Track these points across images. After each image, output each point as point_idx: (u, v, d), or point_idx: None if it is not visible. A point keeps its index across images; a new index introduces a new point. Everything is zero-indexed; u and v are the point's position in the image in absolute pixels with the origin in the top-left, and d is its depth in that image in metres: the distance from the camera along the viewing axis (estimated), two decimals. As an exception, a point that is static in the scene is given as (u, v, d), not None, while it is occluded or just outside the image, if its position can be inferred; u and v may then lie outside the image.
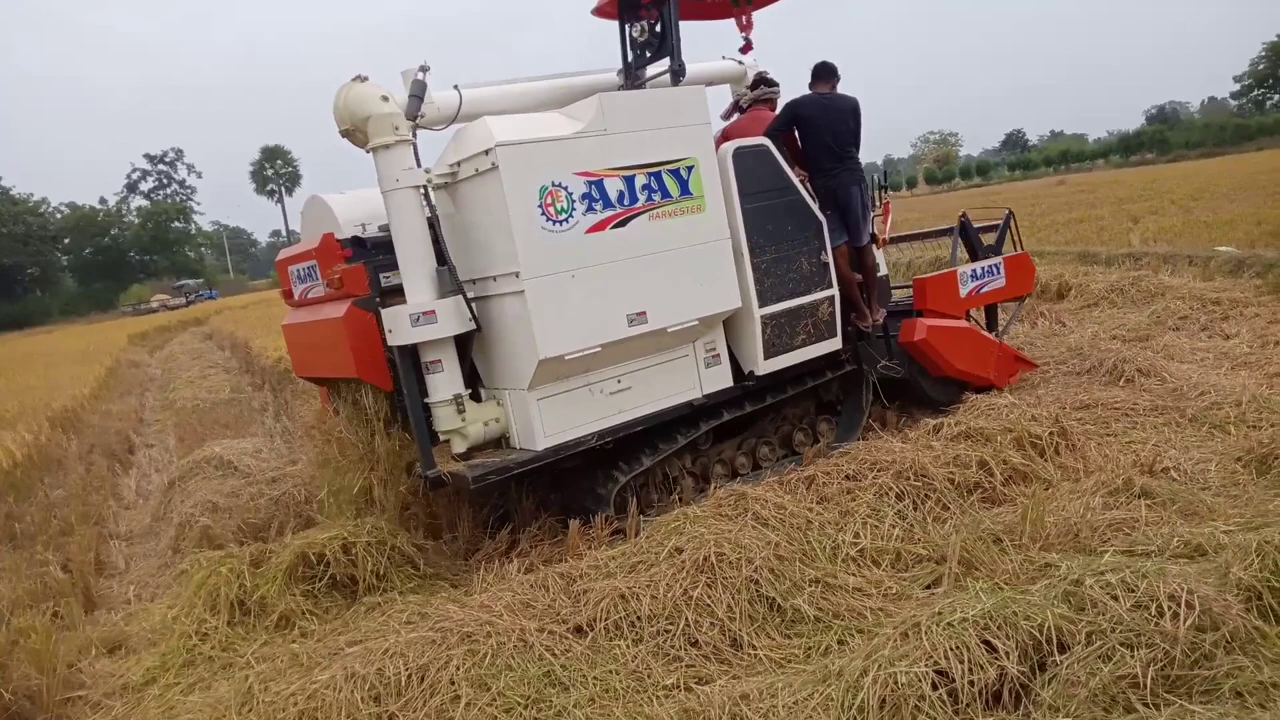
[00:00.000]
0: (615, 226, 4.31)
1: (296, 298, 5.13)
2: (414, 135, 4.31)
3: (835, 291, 5.32)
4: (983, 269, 6.23)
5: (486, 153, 4.02)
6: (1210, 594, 2.82)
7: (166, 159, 77.24)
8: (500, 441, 4.50)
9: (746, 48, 5.92)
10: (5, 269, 61.04)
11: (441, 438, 4.38)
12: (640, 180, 4.38)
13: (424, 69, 4.49)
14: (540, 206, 4.07)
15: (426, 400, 4.31)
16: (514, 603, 3.52)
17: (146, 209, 71.54)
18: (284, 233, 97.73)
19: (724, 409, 4.98)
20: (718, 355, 4.92)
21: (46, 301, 60.67)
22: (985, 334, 6.21)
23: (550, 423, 4.32)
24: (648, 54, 5.23)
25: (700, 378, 4.85)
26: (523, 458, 4.26)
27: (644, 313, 4.38)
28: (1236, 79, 65.00)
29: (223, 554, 4.46)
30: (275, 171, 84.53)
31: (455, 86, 4.72)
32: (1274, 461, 4.27)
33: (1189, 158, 47.39)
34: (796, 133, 5.43)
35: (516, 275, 4.06)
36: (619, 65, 5.40)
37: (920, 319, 5.75)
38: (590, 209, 4.22)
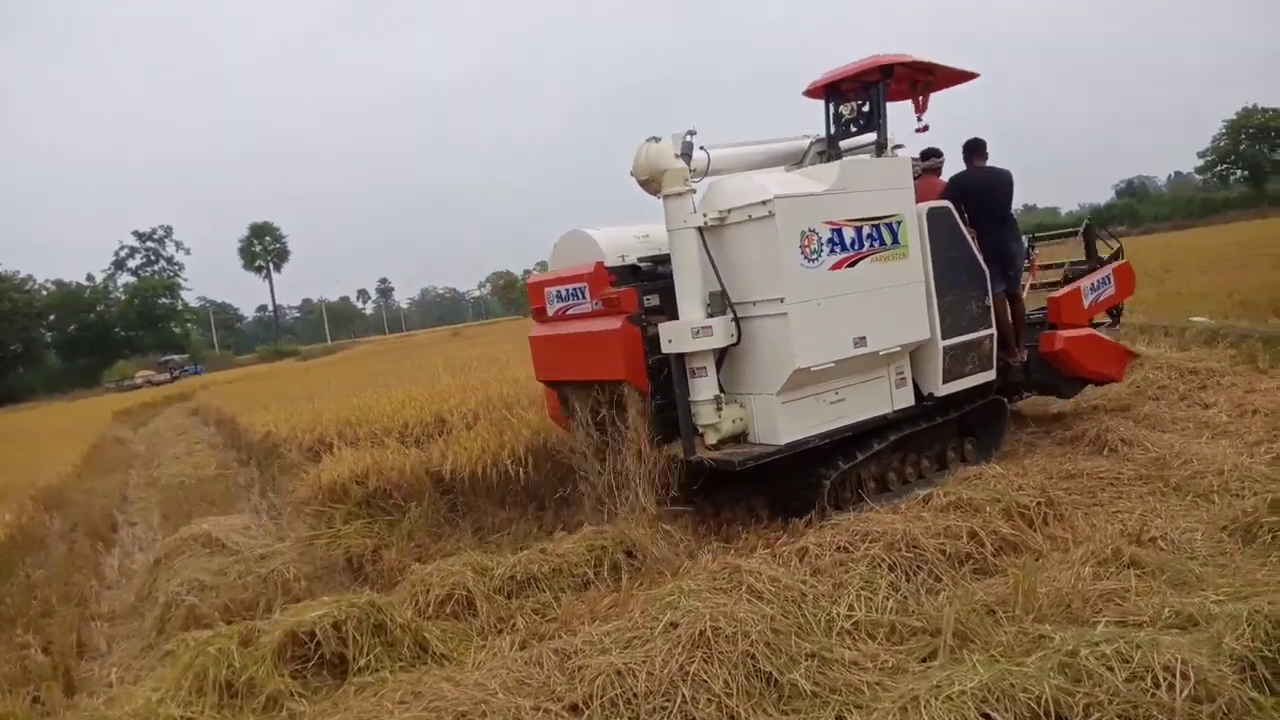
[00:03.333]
0: (849, 266, 5.31)
1: (551, 314, 6.06)
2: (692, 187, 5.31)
3: (994, 331, 6.26)
4: (1098, 281, 7.33)
5: (764, 203, 5.01)
6: (1204, 665, 2.84)
7: (155, 236, 77.54)
8: (739, 438, 5.36)
9: (923, 129, 6.39)
10: (-11, 346, 60.60)
11: (699, 430, 5.24)
12: (866, 230, 5.39)
13: (691, 133, 5.31)
14: (800, 247, 5.05)
15: (690, 400, 5.22)
16: (509, 680, 3.48)
17: (133, 285, 71.44)
18: (270, 307, 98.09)
19: (908, 423, 5.85)
20: (905, 379, 5.85)
21: (30, 378, 60.02)
22: (1105, 337, 7.20)
23: (789, 423, 5.23)
24: (853, 129, 6.17)
25: (892, 396, 5.76)
26: (767, 449, 5.16)
27: (865, 337, 5.36)
28: (1200, 154, 67.20)
29: (210, 634, 4.38)
30: (264, 248, 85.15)
31: (702, 148, 5.55)
32: (1259, 530, 4.34)
33: (1159, 230, 48.55)
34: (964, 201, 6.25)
35: (781, 301, 5.02)
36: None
37: (1057, 331, 6.79)
38: (833, 251, 5.22)
